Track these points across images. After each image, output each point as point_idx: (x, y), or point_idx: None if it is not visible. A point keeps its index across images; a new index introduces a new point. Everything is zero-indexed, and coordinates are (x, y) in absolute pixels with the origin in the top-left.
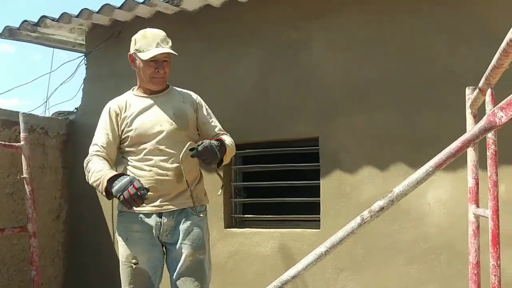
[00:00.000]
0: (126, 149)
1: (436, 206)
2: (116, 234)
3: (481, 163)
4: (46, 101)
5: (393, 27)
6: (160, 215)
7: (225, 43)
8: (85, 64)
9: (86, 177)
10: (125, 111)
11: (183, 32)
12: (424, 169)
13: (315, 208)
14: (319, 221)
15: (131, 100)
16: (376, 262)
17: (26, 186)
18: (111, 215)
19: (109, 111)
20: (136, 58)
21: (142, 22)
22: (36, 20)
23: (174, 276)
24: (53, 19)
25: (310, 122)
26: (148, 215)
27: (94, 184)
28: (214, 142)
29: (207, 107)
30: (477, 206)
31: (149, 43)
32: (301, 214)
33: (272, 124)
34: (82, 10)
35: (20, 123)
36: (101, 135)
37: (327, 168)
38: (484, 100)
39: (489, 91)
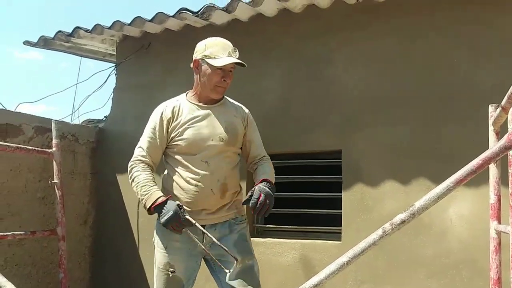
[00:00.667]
0: (174, 156)
1: (458, 221)
2: (155, 240)
3: (504, 179)
4: (77, 109)
5: (416, 42)
6: (203, 226)
7: (251, 56)
8: (115, 74)
9: (129, 180)
10: (177, 117)
11: None
12: (445, 184)
13: (336, 220)
14: (341, 233)
15: (185, 107)
16: (397, 276)
17: (56, 191)
18: (136, 221)
19: (161, 116)
20: (203, 64)
21: (171, 34)
22: (70, 31)
23: (225, 286)
24: (86, 30)
25: (333, 135)
26: (192, 227)
27: (137, 196)
28: (266, 189)
29: (255, 123)
30: (499, 222)
31: (220, 51)
32: (322, 226)
33: (295, 136)
34: (114, 22)
35: (53, 130)
36: (149, 139)
37: (349, 181)
38: (507, 118)
39: (511, 110)
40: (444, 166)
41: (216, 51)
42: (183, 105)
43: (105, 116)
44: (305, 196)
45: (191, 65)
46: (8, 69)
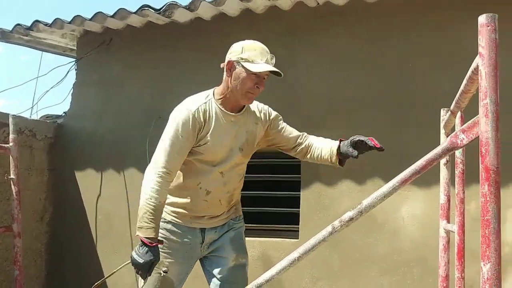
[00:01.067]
0: (192, 162)
1: (410, 220)
2: None
3: (454, 180)
4: (35, 104)
5: (377, 48)
6: (203, 230)
7: (215, 55)
8: (75, 70)
9: (144, 185)
10: (207, 124)
11: (174, 42)
12: (391, 184)
13: (295, 219)
14: (298, 231)
15: (214, 112)
16: (351, 273)
17: (12, 187)
18: (94, 219)
19: (193, 120)
20: (238, 66)
21: (133, 31)
22: (29, 24)
23: (215, 281)
24: (46, 24)
25: None
26: (191, 229)
27: (140, 206)
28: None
29: (279, 115)
30: (448, 221)
31: (258, 56)
32: (282, 224)
33: None
34: (75, 16)
35: (10, 124)
36: (180, 143)
37: (307, 180)
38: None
39: (458, 114)
40: (399, 167)
41: (254, 56)
42: (212, 110)
43: (64, 112)
44: (264, 195)
45: (222, 65)
46: None
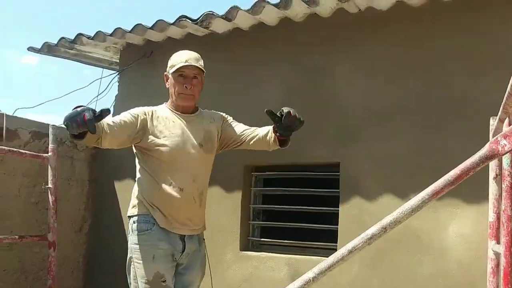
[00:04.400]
0: (155, 162)
1: (458, 240)
2: (136, 254)
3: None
4: None
5: (416, 54)
6: (182, 237)
7: (252, 65)
8: (118, 82)
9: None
10: (155, 119)
11: (212, 54)
12: (420, 196)
13: (333, 236)
14: (336, 249)
15: (163, 113)
16: None
17: (50, 196)
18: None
19: (144, 110)
20: (169, 75)
21: (174, 43)
22: (72, 37)
23: None
24: (88, 37)
25: (331, 147)
26: (173, 235)
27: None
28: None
29: (230, 117)
30: (498, 242)
31: (179, 60)
32: (319, 241)
33: (294, 147)
34: (116, 29)
35: (49, 135)
36: (126, 115)
37: (346, 195)
38: None
39: (506, 121)
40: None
41: (175, 61)
42: (162, 112)
43: None
44: (301, 210)
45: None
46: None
